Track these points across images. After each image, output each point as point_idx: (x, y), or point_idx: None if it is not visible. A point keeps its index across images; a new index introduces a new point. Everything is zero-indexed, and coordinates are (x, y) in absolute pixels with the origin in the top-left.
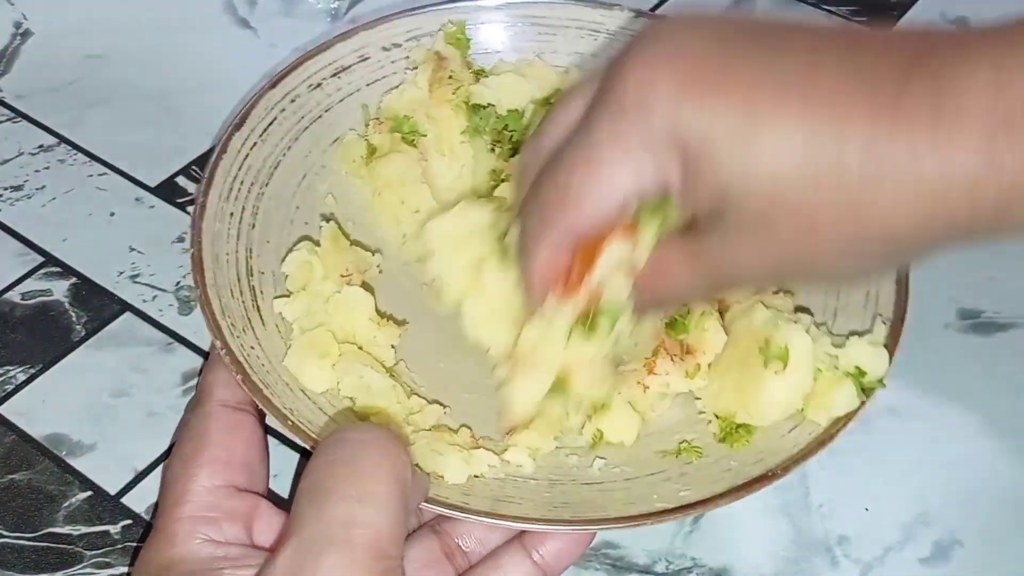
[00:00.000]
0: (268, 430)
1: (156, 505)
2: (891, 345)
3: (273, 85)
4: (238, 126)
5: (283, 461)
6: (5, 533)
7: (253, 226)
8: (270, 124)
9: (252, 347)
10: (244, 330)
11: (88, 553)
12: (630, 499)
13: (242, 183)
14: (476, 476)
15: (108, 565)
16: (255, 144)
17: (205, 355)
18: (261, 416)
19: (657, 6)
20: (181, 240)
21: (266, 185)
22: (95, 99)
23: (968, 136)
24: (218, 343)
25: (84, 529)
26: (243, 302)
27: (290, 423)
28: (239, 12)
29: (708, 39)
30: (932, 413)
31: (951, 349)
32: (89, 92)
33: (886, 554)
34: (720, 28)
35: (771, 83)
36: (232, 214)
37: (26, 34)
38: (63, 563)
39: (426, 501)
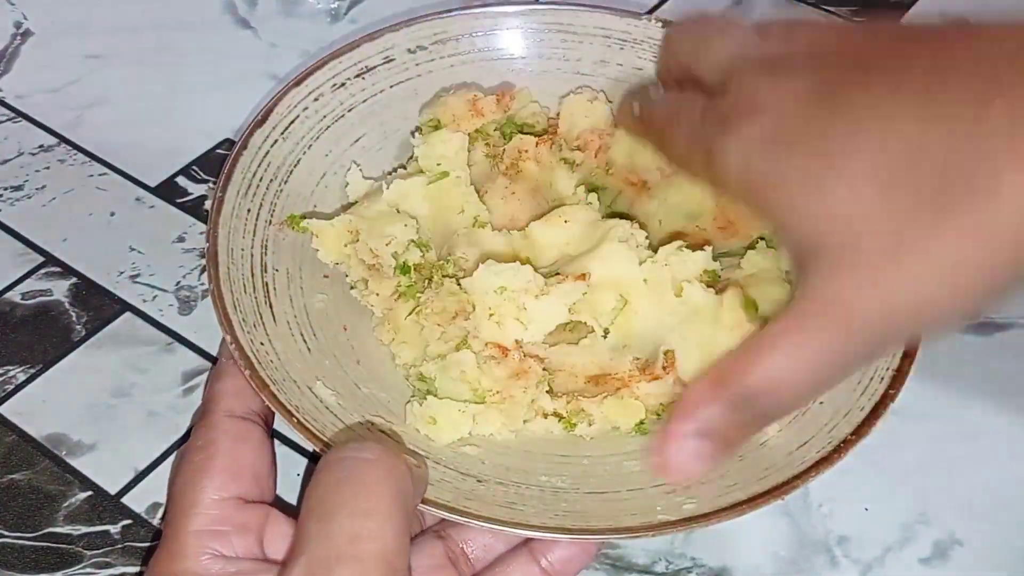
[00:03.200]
0: (275, 435)
1: (164, 514)
2: (910, 353)
3: (298, 83)
4: (260, 122)
5: (287, 465)
6: (5, 533)
7: (270, 223)
8: (292, 122)
9: (262, 343)
10: (255, 326)
11: (88, 553)
12: (633, 510)
13: (261, 179)
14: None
15: (108, 565)
16: (276, 141)
17: (205, 355)
18: (268, 426)
19: (657, 6)
20: (181, 240)
21: (285, 183)
22: (95, 99)
23: None
24: (228, 337)
25: (84, 529)
26: (255, 298)
27: (295, 420)
28: (239, 12)
29: (789, 94)
30: (932, 413)
31: (950, 349)
32: (89, 92)
33: (886, 554)
34: (801, 73)
35: (847, 132)
36: (249, 210)
37: (26, 34)
38: (63, 563)
39: (433, 505)
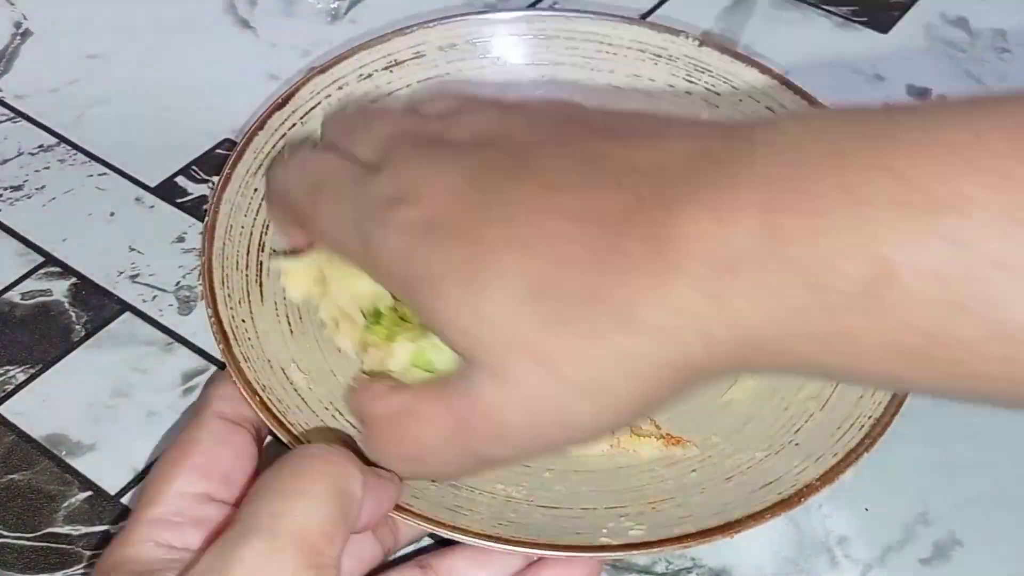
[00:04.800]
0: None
1: None
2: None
3: (323, 70)
4: (280, 105)
5: None
6: (4, 533)
7: None
8: (313, 107)
9: (243, 320)
10: (240, 302)
11: (88, 553)
12: (578, 528)
13: (273, 161)
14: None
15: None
16: (294, 125)
17: (205, 355)
18: (259, 437)
19: (654, 9)
20: (181, 240)
21: None
22: (95, 99)
23: (691, 285)
24: (209, 311)
25: (84, 529)
26: (246, 275)
27: (259, 399)
28: (239, 12)
29: (447, 184)
30: (932, 413)
31: None
32: (89, 92)
33: (886, 554)
34: (484, 168)
35: (499, 239)
36: (256, 189)
37: (26, 34)
38: (63, 563)
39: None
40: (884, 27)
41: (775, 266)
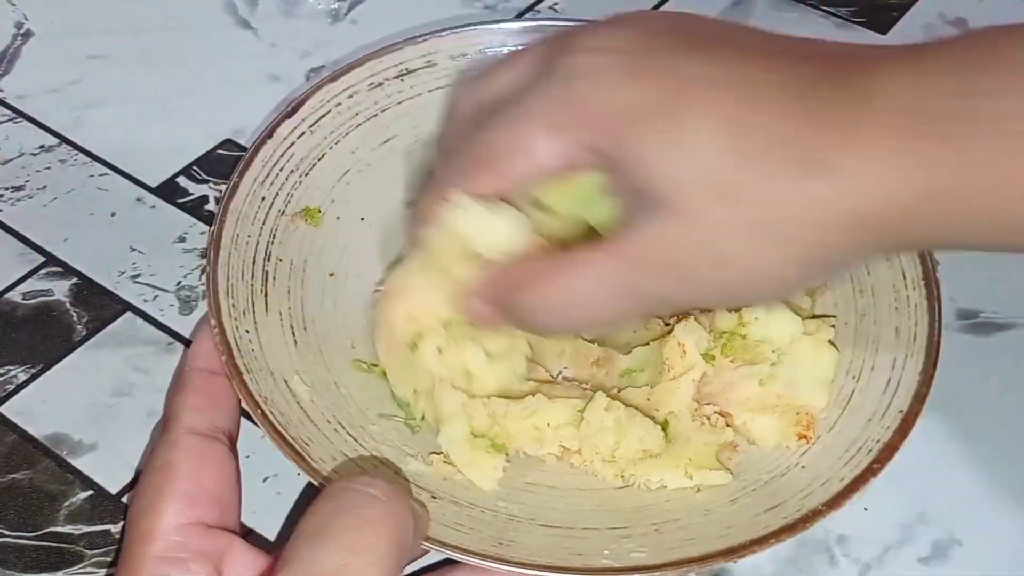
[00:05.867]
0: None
1: (121, 536)
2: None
3: (334, 79)
4: (289, 114)
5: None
6: (6, 532)
7: (283, 212)
8: (323, 116)
9: (247, 331)
10: (244, 313)
11: (89, 552)
12: (580, 549)
13: (281, 169)
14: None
15: (109, 564)
16: (303, 134)
17: None
18: (233, 444)
19: (657, 6)
20: (182, 240)
21: (306, 175)
22: (96, 99)
23: (887, 134)
24: (213, 321)
25: (85, 528)
26: (251, 285)
27: (260, 412)
28: (240, 12)
29: (657, 36)
30: (931, 413)
31: (949, 349)
32: (90, 92)
33: (885, 553)
34: (671, 27)
35: (698, 75)
36: (264, 199)
37: (27, 34)
38: (64, 562)
39: None
40: (883, 28)
41: (970, 115)
